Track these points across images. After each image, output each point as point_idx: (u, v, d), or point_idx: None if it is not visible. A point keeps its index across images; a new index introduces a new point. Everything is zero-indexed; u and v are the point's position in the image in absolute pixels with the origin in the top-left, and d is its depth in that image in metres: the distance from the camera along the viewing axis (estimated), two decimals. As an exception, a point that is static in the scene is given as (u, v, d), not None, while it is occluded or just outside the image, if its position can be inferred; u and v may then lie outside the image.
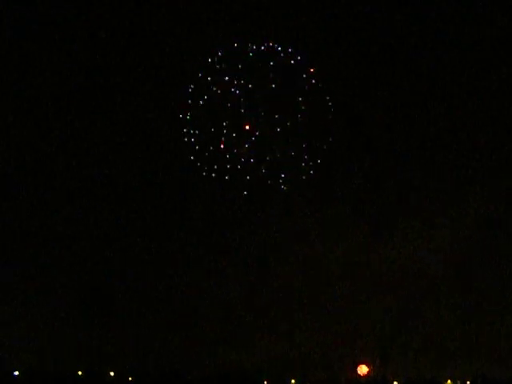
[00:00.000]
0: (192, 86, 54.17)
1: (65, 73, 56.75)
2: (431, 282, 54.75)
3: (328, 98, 54.24)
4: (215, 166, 54.21)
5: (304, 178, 54.07)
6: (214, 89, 53.98)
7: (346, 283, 55.03)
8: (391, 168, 57.42)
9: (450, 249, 55.32)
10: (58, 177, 57.09)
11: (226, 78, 53.73)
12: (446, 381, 53.89)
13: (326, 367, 54.02)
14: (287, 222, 56.06)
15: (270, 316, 55.59)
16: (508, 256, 54.46)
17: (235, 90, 54.21)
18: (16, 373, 56.52)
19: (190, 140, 54.20)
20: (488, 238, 55.42)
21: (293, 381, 54.76)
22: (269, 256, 55.88)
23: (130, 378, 53.82)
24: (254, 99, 54.72)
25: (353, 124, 57.45)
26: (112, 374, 51.46)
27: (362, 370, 53.42)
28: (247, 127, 53.77)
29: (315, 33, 56.47)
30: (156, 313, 53.72)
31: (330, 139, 54.21)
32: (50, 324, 52.36)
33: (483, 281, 54.95)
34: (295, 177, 54.36)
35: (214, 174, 54.06)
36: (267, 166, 54.20)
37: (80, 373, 50.92)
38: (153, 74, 56.99)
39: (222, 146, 54.24)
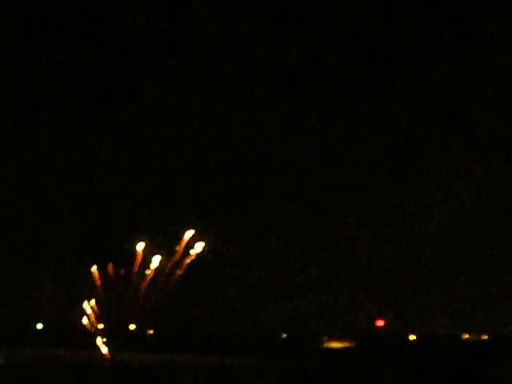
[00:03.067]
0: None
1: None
2: (448, 239, 55.10)
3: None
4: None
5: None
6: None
7: (362, 241, 55.54)
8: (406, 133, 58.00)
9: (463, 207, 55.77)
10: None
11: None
12: (463, 335, 54.12)
13: (343, 322, 54.63)
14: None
15: (286, 277, 56.13)
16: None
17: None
18: (39, 326, 57.34)
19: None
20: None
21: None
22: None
23: (150, 331, 54.53)
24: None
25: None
26: (133, 327, 52.08)
27: (378, 323, 53.87)
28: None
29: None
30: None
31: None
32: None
33: (499, 237, 55.29)
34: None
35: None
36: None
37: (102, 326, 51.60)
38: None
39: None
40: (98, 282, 51.18)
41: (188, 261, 49.01)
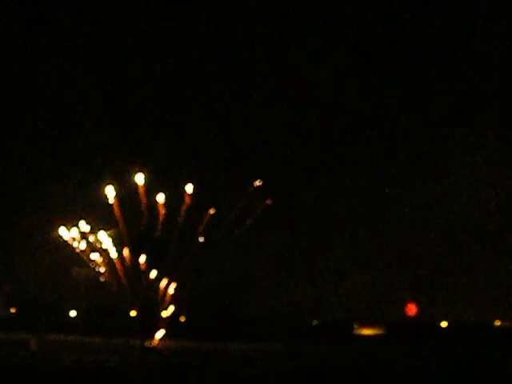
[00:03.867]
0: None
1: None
2: (482, 225, 55.02)
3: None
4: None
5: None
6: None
7: (392, 224, 55.54)
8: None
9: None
10: None
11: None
12: (495, 321, 53.78)
13: (373, 308, 54.72)
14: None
15: (315, 261, 56.33)
16: None
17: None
18: (73, 313, 57.27)
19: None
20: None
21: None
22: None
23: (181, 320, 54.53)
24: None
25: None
26: (165, 315, 51.86)
27: (411, 310, 53.81)
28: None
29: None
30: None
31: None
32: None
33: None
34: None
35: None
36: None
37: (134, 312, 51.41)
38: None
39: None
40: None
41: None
